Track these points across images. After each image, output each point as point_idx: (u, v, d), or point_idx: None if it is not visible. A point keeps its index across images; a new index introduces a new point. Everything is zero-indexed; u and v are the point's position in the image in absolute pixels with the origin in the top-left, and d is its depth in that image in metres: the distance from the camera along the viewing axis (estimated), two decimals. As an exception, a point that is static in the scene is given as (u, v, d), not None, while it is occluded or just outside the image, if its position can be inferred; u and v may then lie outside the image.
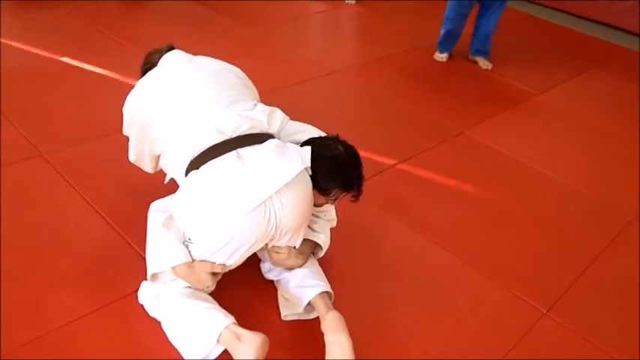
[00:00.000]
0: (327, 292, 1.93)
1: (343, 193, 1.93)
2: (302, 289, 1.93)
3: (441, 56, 4.26)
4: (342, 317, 1.83)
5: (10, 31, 3.75)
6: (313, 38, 4.76)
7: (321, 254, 2.10)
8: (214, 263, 1.79)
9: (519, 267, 2.39)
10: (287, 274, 2.00)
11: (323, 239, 2.06)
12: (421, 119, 3.46)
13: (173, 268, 1.79)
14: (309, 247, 2.02)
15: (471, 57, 4.31)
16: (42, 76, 3.32)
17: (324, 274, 2.02)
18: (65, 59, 3.51)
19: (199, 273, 1.78)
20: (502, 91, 4.00)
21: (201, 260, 1.79)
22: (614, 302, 2.29)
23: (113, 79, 3.36)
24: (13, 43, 3.62)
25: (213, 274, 1.81)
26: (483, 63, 4.25)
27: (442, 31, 4.20)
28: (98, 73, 3.41)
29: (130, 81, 3.21)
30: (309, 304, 1.92)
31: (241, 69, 2.16)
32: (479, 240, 2.52)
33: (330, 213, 2.14)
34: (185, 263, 1.77)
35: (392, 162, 2.95)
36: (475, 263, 2.37)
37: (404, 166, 2.94)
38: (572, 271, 2.41)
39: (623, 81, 4.36)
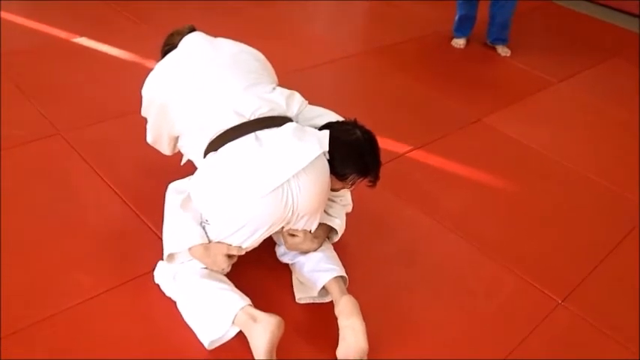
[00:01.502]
0: (341, 277, 1.93)
1: (360, 178, 1.92)
2: (317, 273, 1.94)
3: (459, 42, 4.22)
4: (356, 302, 1.83)
5: (26, 10, 3.75)
6: (327, 21, 4.71)
7: (336, 239, 2.10)
8: (230, 245, 1.79)
9: (535, 256, 2.38)
10: (302, 258, 2.00)
11: (338, 224, 2.05)
12: (437, 106, 3.43)
13: (189, 249, 1.79)
14: (324, 232, 2.02)
15: (489, 44, 4.26)
16: (59, 55, 3.33)
17: (338, 259, 2.02)
18: (82, 39, 3.51)
19: (215, 255, 1.79)
20: (520, 78, 3.95)
21: (218, 242, 1.79)
22: (629, 294, 2.28)
23: (130, 59, 3.36)
24: (29, 22, 3.62)
25: (229, 256, 1.81)
26: (502, 50, 4.20)
27: (456, 17, 4.17)
28: (115, 54, 3.41)
29: (147, 61, 3.23)
30: (323, 288, 1.92)
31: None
32: (494, 228, 2.50)
33: (345, 198, 2.14)
34: (201, 244, 1.78)
35: (407, 148, 2.93)
36: (490, 251, 2.36)
37: (420, 153, 2.93)
38: (588, 262, 2.39)
39: (645, 71, 4.29)
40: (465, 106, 3.44)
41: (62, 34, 3.55)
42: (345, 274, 1.95)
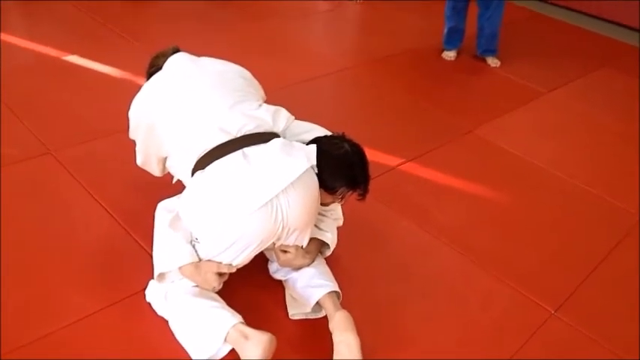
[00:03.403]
0: (335, 292, 1.93)
1: (350, 192, 1.93)
2: (310, 288, 1.93)
3: (449, 54, 4.25)
4: (350, 316, 1.83)
5: (17, 28, 3.77)
6: (320, 36, 4.75)
7: (329, 253, 2.10)
8: (220, 263, 1.79)
9: (528, 267, 2.38)
10: (294, 274, 1.99)
11: (330, 237, 2.05)
12: (429, 118, 3.45)
13: (180, 268, 1.79)
14: (316, 247, 2.02)
15: (479, 56, 4.29)
16: (49, 73, 3.33)
17: (331, 274, 2.01)
18: (73, 57, 3.51)
19: (206, 273, 1.78)
20: (510, 89, 3.98)
21: (208, 260, 1.79)
22: (622, 303, 2.28)
23: (121, 76, 3.37)
24: (20, 41, 3.63)
25: (220, 274, 1.81)
26: (492, 61, 4.23)
27: (445, 29, 4.21)
28: (106, 71, 3.42)
29: (138, 79, 3.22)
30: (317, 303, 1.92)
31: (248, 66, 2.17)
32: (487, 240, 2.51)
33: (336, 212, 2.14)
34: (192, 263, 1.77)
35: (400, 160, 2.94)
36: (484, 263, 2.36)
37: (412, 165, 2.93)
38: (580, 272, 2.39)
39: (634, 80, 4.31)
40: (456, 118, 3.45)
41: (53, 52, 3.56)
42: (338, 289, 1.95)
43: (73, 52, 3.55)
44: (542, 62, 4.41)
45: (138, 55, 3.56)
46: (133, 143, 2.14)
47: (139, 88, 2.07)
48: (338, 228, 2.13)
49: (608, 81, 4.30)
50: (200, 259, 1.78)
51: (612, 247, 2.55)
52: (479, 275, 2.31)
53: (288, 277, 2.02)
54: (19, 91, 3.08)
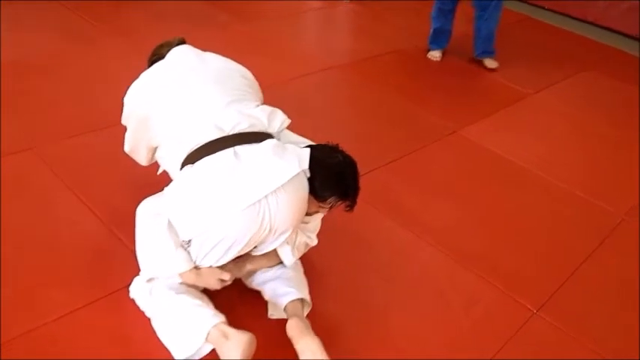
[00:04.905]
0: (299, 300, 1.91)
1: (339, 202, 1.92)
2: (277, 297, 1.93)
3: (435, 54, 4.26)
4: (302, 320, 1.83)
5: (3, 23, 3.72)
6: (309, 35, 4.76)
7: (288, 264, 2.01)
8: (222, 271, 1.79)
9: (511, 267, 2.40)
10: (264, 286, 1.98)
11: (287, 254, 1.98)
12: (414, 118, 3.46)
13: (180, 275, 1.77)
14: (276, 254, 1.97)
15: (476, 58, 4.27)
16: (35, 69, 3.29)
17: (301, 278, 2.01)
18: (59, 52, 3.48)
19: (207, 281, 1.80)
20: (496, 90, 4.00)
21: (209, 268, 1.78)
22: (603, 302, 2.30)
23: (108, 73, 3.33)
24: (5, 34, 3.58)
25: (222, 280, 1.82)
26: (490, 63, 4.21)
27: (431, 30, 4.23)
28: (93, 67, 3.39)
29: (125, 75, 3.20)
30: None
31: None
32: (471, 240, 2.52)
33: (314, 224, 2.07)
34: (192, 271, 1.76)
35: (385, 161, 2.95)
36: (467, 263, 2.37)
37: (396, 165, 2.94)
38: (562, 272, 2.42)
39: (619, 83, 4.36)
40: (441, 118, 3.47)
41: (38, 46, 3.52)
42: (302, 296, 1.93)
43: (58, 48, 3.52)
44: (528, 64, 4.44)
45: (126, 51, 3.56)
46: (123, 130, 2.10)
47: (125, 85, 2.05)
48: (323, 227, 2.11)
49: (594, 84, 4.33)
50: (194, 263, 1.76)
51: (595, 248, 2.57)
52: (462, 275, 2.32)
53: (261, 287, 2.00)
54: (2, 84, 3.03)
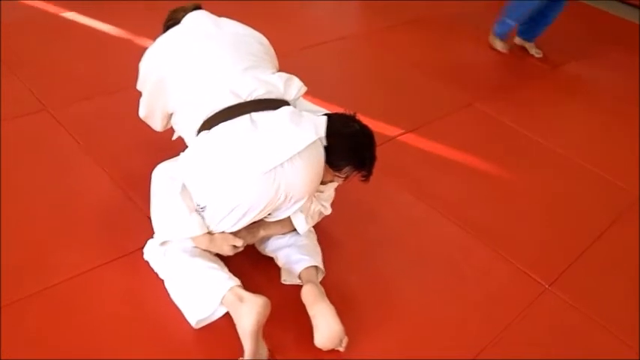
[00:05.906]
0: (313, 267, 1.92)
1: (354, 172, 1.91)
2: (290, 264, 1.94)
3: (503, 45, 4.04)
4: (317, 287, 1.83)
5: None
6: (324, 4, 4.67)
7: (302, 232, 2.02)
8: (234, 237, 1.79)
9: (525, 241, 2.39)
10: (277, 252, 1.98)
11: (302, 222, 1.97)
12: (430, 89, 3.42)
13: (194, 239, 1.77)
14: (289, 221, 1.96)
15: (519, 42, 4.13)
16: (47, 30, 3.27)
17: (315, 246, 2.00)
18: (72, 14, 3.45)
19: (221, 246, 1.80)
20: (515, 65, 3.94)
21: (222, 233, 1.78)
22: (615, 279, 2.30)
23: (121, 35, 3.31)
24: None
25: (234, 246, 1.82)
26: (536, 51, 4.08)
27: (511, 22, 3.95)
28: (106, 29, 3.36)
29: (137, 38, 3.19)
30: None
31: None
32: (485, 213, 2.51)
33: (327, 193, 2.04)
34: (205, 235, 1.76)
35: (399, 131, 2.92)
36: (481, 236, 2.36)
37: (411, 136, 2.92)
38: (576, 248, 2.41)
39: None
40: (457, 91, 3.43)
41: (51, 8, 3.49)
42: (316, 263, 1.93)
43: (71, 9, 3.48)
44: (549, 40, 4.33)
45: (138, 14, 3.51)
46: (139, 95, 2.08)
47: (138, 47, 2.03)
48: (336, 197, 2.09)
49: (616, 62, 4.27)
50: (208, 228, 1.76)
51: (609, 225, 2.56)
52: (476, 248, 2.31)
53: (275, 253, 2.00)
54: (15, 46, 3.02)
